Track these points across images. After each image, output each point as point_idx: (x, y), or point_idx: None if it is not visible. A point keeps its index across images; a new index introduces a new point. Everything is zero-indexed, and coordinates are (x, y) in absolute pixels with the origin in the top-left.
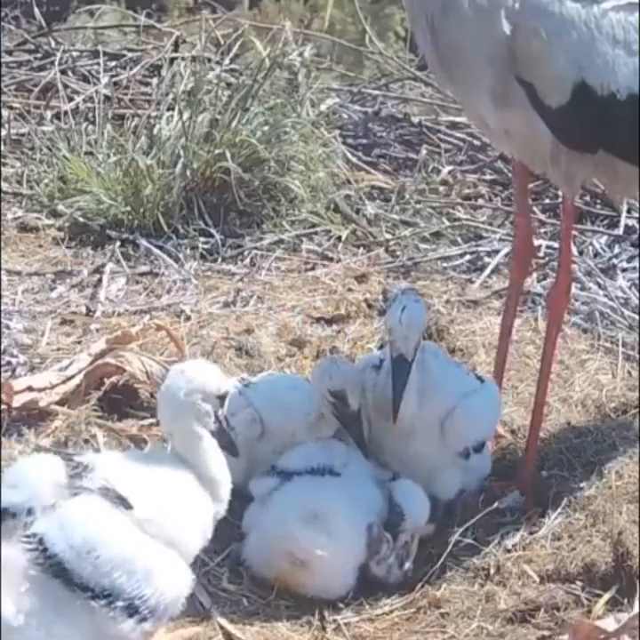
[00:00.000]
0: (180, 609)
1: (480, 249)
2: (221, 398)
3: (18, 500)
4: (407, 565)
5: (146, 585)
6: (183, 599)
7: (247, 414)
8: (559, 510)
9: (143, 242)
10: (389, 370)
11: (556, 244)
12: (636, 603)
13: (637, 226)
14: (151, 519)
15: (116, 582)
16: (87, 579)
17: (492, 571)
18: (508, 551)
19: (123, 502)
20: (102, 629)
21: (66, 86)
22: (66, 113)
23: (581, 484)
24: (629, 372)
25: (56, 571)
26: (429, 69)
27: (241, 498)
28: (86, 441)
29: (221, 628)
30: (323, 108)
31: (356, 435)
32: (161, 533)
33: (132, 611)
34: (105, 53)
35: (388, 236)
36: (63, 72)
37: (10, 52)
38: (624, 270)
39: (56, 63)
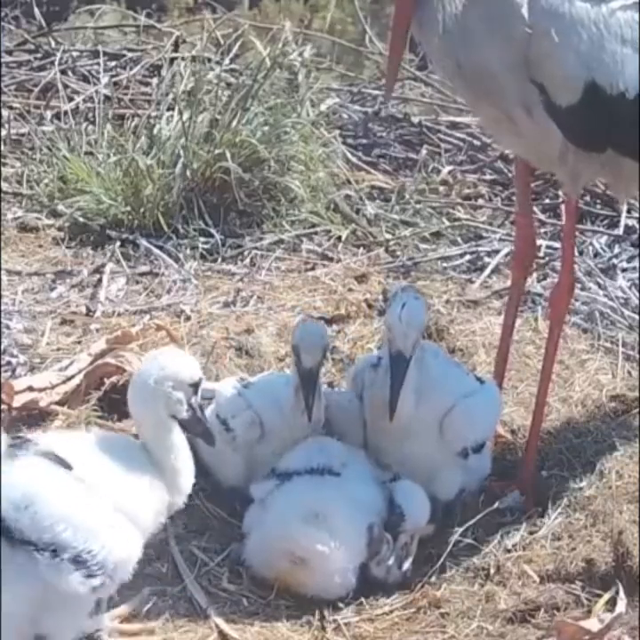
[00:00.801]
0: (130, 574)
1: (480, 249)
2: (194, 387)
3: None
4: (406, 566)
5: (92, 540)
6: (133, 563)
7: (247, 416)
8: (559, 510)
9: (143, 242)
10: (388, 368)
11: (556, 244)
12: (621, 603)
13: (637, 226)
14: (98, 484)
15: (60, 536)
16: (28, 533)
17: (492, 571)
18: (508, 551)
19: (61, 462)
20: (51, 583)
21: (66, 86)
22: (66, 113)
23: (581, 484)
24: (629, 372)
25: None
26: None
27: (241, 498)
28: None
29: (217, 627)
30: (323, 108)
31: (305, 394)
32: (108, 498)
33: (78, 564)
34: (105, 53)
35: (388, 236)
36: (63, 72)
37: (10, 52)
38: (624, 270)
39: (56, 63)
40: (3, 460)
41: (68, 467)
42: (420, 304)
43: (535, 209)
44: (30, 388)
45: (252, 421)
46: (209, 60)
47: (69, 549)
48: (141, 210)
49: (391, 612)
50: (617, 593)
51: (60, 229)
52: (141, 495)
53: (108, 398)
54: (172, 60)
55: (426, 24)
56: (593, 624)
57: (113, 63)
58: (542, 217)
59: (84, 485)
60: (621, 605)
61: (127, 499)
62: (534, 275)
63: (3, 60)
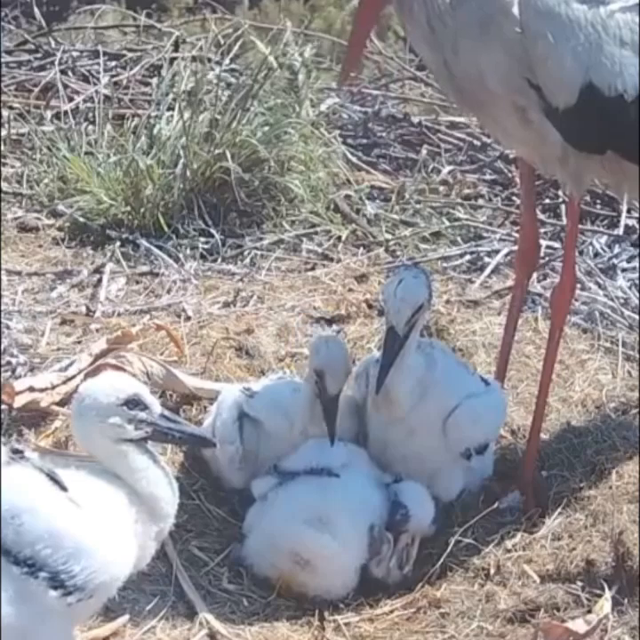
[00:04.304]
0: (113, 594)
1: (480, 249)
2: (129, 404)
3: None
4: (407, 569)
5: (73, 561)
6: (118, 585)
7: (229, 451)
8: (559, 510)
9: (143, 242)
10: None
11: (556, 244)
12: (607, 604)
13: (637, 226)
14: (85, 508)
15: (40, 554)
16: (10, 544)
17: (492, 571)
18: (508, 551)
19: (57, 483)
20: (25, 596)
21: (66, 86)
22: (66, 113)
23: (581, 484)
24: (629, 372)
25: None
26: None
27: (241, 499)
28: None
29: (208, 626)
30: (323, 108)
31: (328, 418)
32: (95, 521)
33: (56, 583)
34: (105, 53)
35: (388, 236)
36: (63, 72)
37: (10, 52)
38: (624, 270)
39: (56, 63)
40: (2, 467)
41: (63, 487)
42: (418, 282)
43: (536, 209)
44: (31, 389)
45: (232, 459)
46: (209, 60)
47: (47, 568)
48: (141, 210)
49: (391, 612)
50: (617, 593)
51: (60, 229)
52: (126, 519)
53: None
54: (172, 59)
55: (409, 13)
56: (579, 625)
57: (113, 63)
58: (542, 217)
59: (75, 505)
60: (608, 607)
61: (113, 521)
62: (534, 275)
63: (3, 59)
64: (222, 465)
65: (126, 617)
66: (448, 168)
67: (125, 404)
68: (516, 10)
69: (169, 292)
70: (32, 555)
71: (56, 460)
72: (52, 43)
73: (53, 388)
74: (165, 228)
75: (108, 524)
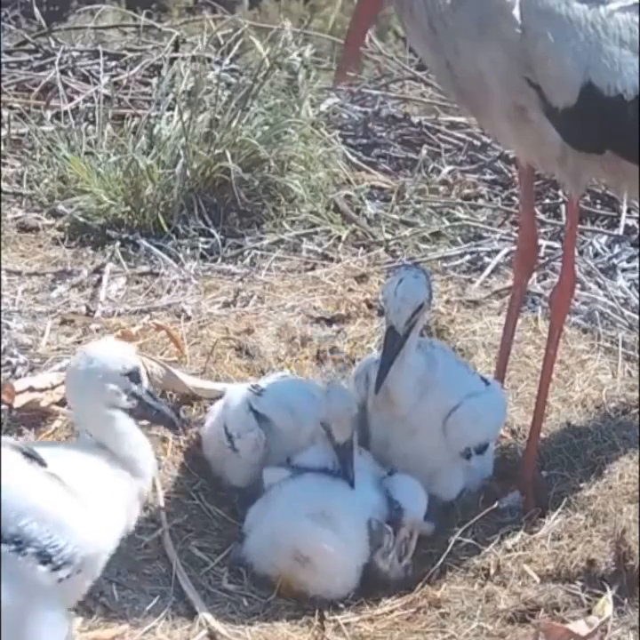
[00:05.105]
0: (100, 569)
1: (480, 249)
2: (130, 376)
3: None
4: (406, 562)
5: (58, 534)
6: (105, 557)
7: (251, 439)
8: (559, 510)
9: (143, 242)
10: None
11: (556, 244)
12: (609, 605)
13: (637, 226)
14: (65, 480)
15: (25, 529)
16: None
17: (492, 571)
18: (508, 551)
19: (36, 458)
20: (16, 574)
21: (66, 86)
22: (66, 113)
23: (581, 484)
24: (629, 372)
25: None
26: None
27: (242, 499)
28: None
29: (208, 626)
30: (323, 108)
31: (343, 465)
32: (77, 494)
33: (44, 558)
34: (105, 53)
35: (388, 236)
36: (63, 72)
37: (10, 52)
38: (624, 270)
39: (56, 63)
40: None
41: (42, 463)
42: (418, 282)
43: (535, 209)
44: (31, 389)
45: (257, 444)
46: (209, 60)
47: (34, 543)
48: (141, 210)
49: (391, 612)
50: (618, 593)
51: (60, 229)
52: (108, 489)
53: None
54: (172, 59)
55: (410, 14)
56: (581, 627)
57: (113, 63)
58: (542, 217)
59: (54, 479)
60: (609, 609)
61: (95, 493)
62: (534, 275)
63: (3, 59)
64: (243, 456)
65: (126, 626)
66: (448, 168)
67: (128, 375)
68: (515, 10)
69: (169, 292)
70: (17, 532)
71: (34, 443)
72: (52, 43)
73: (53, 388)
74: (165, 228)
75: (91, 495)
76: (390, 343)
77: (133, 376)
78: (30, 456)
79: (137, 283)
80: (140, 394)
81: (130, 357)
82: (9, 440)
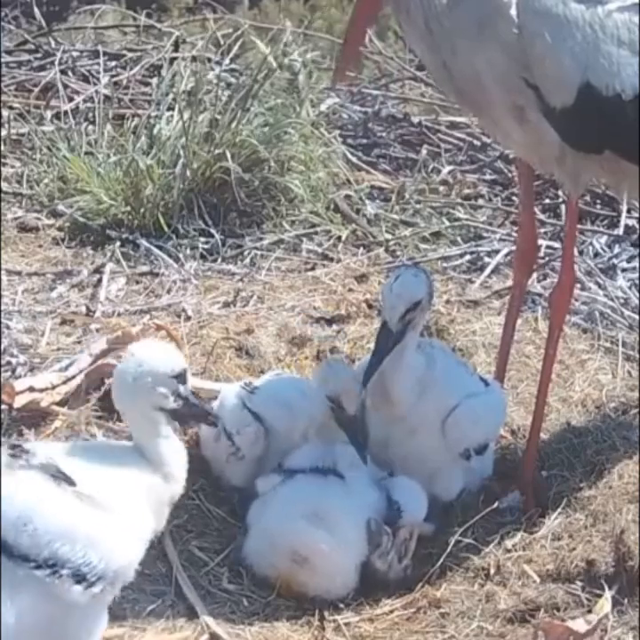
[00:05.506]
0: (132, 576)
1: (480, 249)
2: (179, 377)
3: None
4: (405, 562)
5: (91, 552)
6: (135, 566)
7: (250, 433)
8: (559, 510)
9: (143, 242)
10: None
11: (556, 244)
12: (607, 604)
13: (637, 226)
14: (93, 493)
15: (58, 552)
16: (26, 550)
17: (492, 571)
18: (508, 551)
19: (64, 478)
20: (53, 596)
21: (66, 86)
22: (66, 113)
23: (581, 484)
24: (629, 372)
25: None
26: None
27: (242, 498)
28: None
29: (208, 628)
30: (323, 108)
31: (354, 440)
32: (105, 506)
33: (79, 577)
34: (105, 53)
35: (388, 236)
36: (63, 72)
37: (10, 52)
38: (624, 270)
39: (56, 63)
40: (3, 472)
41: (71, 483)
42: (416, 280)
43: (535, 209)
44: (31, 389)
45: (257, 438)
46: (209, 60)
47: (68, 564)
48: (141, 210)
49: (391, 611)
50: (617, 593)
51: (60, 229)
52: (137, 497)
53: (108, 398)
54: (172, 59)
55: (407, 15)
56: (580, 625)
57: (113, 63)
58: (542, 217)
59: (82, 497)
60: (608, 607)
61: (124, 503)
62: (534, 275)
63: (3, 59)
64: (244, 452)
65: (126, 627)
66: (448, 168)
67: (176, 377)
68: (512, 10)
69: (169, 292)
70: (51, 555)
71: (58, 447)
72: (52, 43)
73: (53, 387)
74: (165, 228)
75: (120, 505)
76: (382, 339)
77: (180, 377)
78: (58, 477)
79: (137, 283)
80: (185, 394)
81: (177, 359)
82: (38, 457)
